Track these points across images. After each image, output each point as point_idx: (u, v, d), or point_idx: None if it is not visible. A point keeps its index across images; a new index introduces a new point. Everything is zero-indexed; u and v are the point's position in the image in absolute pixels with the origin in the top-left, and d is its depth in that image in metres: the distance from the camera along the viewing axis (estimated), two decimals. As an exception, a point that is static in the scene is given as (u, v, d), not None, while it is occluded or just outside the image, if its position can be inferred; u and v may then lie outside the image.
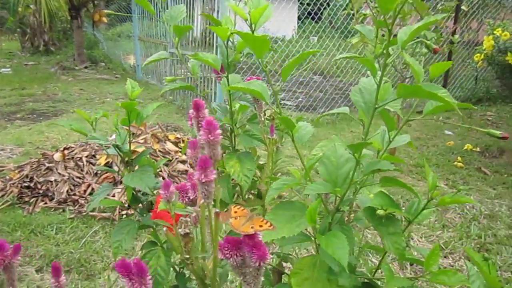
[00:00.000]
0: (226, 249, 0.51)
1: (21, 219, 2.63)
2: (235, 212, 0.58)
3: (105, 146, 0.97)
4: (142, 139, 3.13)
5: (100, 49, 10.25)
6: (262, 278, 0.49)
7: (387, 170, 0.67)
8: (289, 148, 4.24)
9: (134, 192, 0.97)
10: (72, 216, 2.70)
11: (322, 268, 0.70)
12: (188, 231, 0.48)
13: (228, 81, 0.92)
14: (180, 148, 3.22)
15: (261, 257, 0.49)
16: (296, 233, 0.65)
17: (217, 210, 0.48)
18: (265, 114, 1.00)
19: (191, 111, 0.50)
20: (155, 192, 0.87)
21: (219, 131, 0.47)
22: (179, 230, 0.47)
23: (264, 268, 0.50)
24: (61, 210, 2.77)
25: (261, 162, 1.10)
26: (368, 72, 0.69)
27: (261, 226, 0.55)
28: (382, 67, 0.60)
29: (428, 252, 0.68)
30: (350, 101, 6.12)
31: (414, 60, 0.67)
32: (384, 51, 0.64)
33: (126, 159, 0.96)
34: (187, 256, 0.47)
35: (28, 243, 2.43)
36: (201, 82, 5.26)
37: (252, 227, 0.53)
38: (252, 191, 1.06)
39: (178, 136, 3.39)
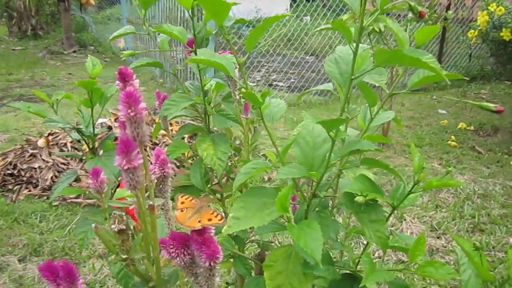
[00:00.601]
0: (171, 246, 0.43)
1: (3, 208, 2.56)
2: (182, 203, 0.50)
3: (68, 130, 0.89)
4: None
5: (89, 33, 10.04)
6: (218, 279, 0.42)
7: (367, 151, 0.60)
8: (281, 129, 4.17)
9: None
10: (56, 203, 2.63)
11: (297, 261, 0.63)
12: (123, 227, 0.40)
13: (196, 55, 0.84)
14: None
15: (211, 256, 0.41)
16: (267, 223, 0.58)
17: (151, 202, 0.40)
18: (240, 92, 0.92)
19: (117, 82, 0.41)
20: (119, 179, 0.80)
21: (143, 105, 0.39)
22: (112, 226, 0.40)
23: (218, 268, 0.43)
24: (45, 198, 2.70)
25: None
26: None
27: (210, 219, 0.46)
28: (359, 31, 0.52)
29: (414, 240, 0.61)
30: (343, 81, 6.03)
31: (399, 26, 0.59)
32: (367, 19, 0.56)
33: (90, 143, 0.89)
34: (125, 256, 0.40)
35: (11, 232, 2.37)
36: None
37: (199, 221, 0.45)
38: (230, 176, 0.99)
39: (167, 136, 3.30)
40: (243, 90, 0.93)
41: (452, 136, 3.96)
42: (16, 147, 3.21)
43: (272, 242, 1.01)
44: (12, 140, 3.79)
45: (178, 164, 2.67)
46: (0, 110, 4.96)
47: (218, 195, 0.99)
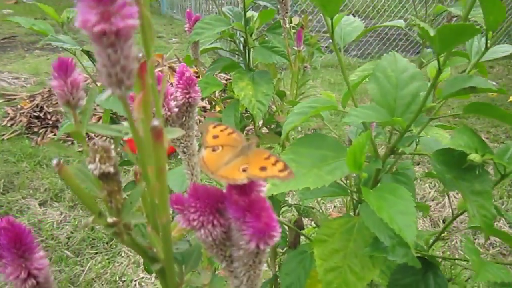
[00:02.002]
0: (193, 210, 0.25)
1: (27, 150, 2.50)
2: (215, 137, 0.30)
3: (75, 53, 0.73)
4: (158, 71, 2.89)
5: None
6: (265, 266, 0.25)
7: (487, 91, 0.41)
8: (317, 89, 3.95)
9: (113, 116, 0.74)
10: (80, 149, 2.54)
11: (362, 238, 0.46)
12: (110, 169, 0.23)
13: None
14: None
15: (261, 232, 0.23)
16: (327, 184, 0.42)
17: (156, 123, 0.20)
18: (291, 22, 0.73)
19: None
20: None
21: None
22: (90, 165, 0.23)
23: (267, 251, 0.25)
24: (70, 143, 2.62)
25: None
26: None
27: (263, 168, 0.26)
28: None
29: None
30: (385, 44, 5.67)
31: None
32: None
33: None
34: (113, 220, 0.23)
35: (34, 175, 2.30)
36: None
37: (244, 170, 0.26)
38: (270, 125, 0.82)
39: (197, 70, 3.13)
40: (296, 18, 0.74)
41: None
42: (44, 90, 3.13)
43: (313, 208, 0.84)
44: (41, 83, 3.73)
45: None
46: (32, 54, 4.91)
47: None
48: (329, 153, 0.46)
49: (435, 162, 0.45)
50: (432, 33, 0.33)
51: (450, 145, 0.43)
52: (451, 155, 0.44)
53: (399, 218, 0.36)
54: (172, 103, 0.35)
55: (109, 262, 1.73)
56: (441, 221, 2.21)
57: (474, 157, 0.41)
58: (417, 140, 0.51)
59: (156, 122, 0.19)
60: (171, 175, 0.52)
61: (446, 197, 2.41)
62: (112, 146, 0.22)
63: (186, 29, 0.72)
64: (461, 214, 0.53)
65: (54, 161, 0.21)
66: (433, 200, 2.38)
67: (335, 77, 4.36)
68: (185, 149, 0.38)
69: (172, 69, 2.98)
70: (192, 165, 0.38)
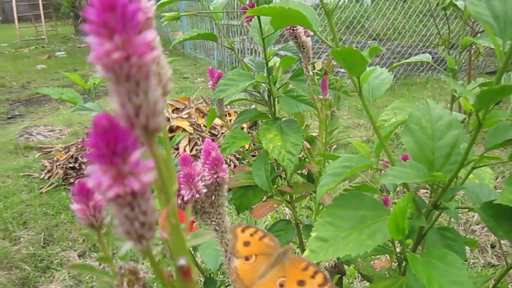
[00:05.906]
0: None
1: (65, 202, 2.55)
2: (246, 243, 0.29)
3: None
4: (185, 114, 2.94)
5: (148, 27, 10.25)
6: None
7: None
8: (344, 117, 3.92)
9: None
10: (115, 197, 2.58)
11: (412, 302, 0.43)
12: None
13: (259, 20, 0.65)
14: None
15: None
16: (370, 250, 0.39)
17: (183, 262, 0.18)
18: (314, 68, 0.72)
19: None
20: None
21: (151, 34, 0.18)
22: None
23: None
24: (105, 192, 2.67)
25: (313, 134, 0.84)
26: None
27: (302, 282, 0.23)
28: None
29: None
30: (410, 64, 5.61)
31: None
32: None
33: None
34: None
35: (72, 226, 2.35)
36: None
37: (281, 285, 0.24)
38: (300, 171, 0.80)
39: (223, 124, 3.17)
40: (318, 63, 0.73)
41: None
42: (78, 141, 3.23)
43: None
44: (75, 133, 3.86)
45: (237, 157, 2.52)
46: (65, 105, 5.10)
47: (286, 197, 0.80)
48: (368, 213, 0.44)
49: (484, 216, 0.42)
50: (471, 101, 0.31)
51: (499, 202, 0.40)
52: (501, 207, 0.41)
53: (453, 291, 0.33)
54: (200, 184, 0.34)
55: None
56: (489, 245, 2.09)
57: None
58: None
59: (182, 261, 0.18)
60: (203, 249, 0.51)
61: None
62: (139, 267, 0.21)
63: (209, 86, 0.72)
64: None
65: None
66: (477, 224, 2.26)
67: (361, 103, 4.31)
68: (217, 227, 0.37)
69: (200, 111, 3.02)
70: (225, 242, 0.37)
